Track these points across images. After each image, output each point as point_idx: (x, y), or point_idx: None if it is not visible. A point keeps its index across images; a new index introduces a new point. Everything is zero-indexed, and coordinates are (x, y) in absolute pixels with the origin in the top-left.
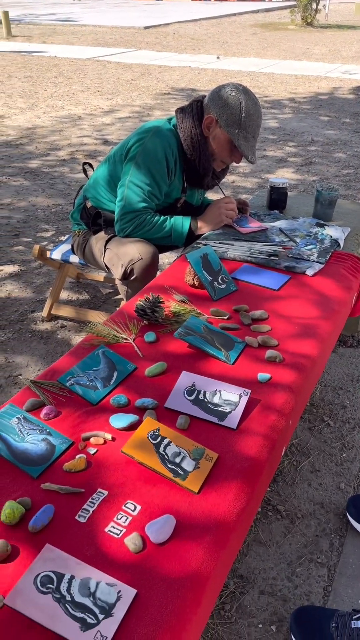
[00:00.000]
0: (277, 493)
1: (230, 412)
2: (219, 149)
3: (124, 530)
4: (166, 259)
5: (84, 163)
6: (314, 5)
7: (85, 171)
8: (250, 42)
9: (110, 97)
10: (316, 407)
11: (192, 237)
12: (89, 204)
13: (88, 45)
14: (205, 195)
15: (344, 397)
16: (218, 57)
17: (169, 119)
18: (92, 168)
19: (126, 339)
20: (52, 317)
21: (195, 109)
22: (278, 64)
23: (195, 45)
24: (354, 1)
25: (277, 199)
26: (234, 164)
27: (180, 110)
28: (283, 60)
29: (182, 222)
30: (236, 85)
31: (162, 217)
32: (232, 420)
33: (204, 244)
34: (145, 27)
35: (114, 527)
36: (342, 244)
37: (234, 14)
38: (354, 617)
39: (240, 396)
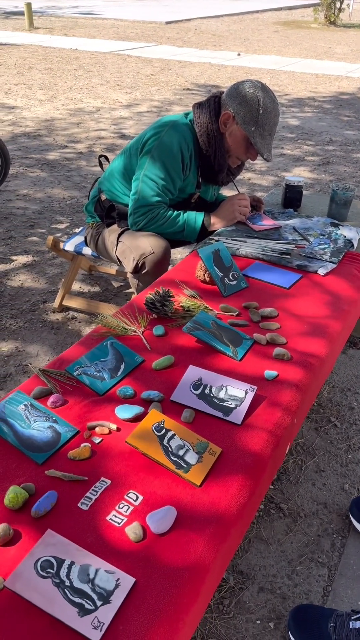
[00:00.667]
0: (280, 491)
1: (235, 407)
2: (235, 146)
3: (125, 519)
4: (179, 254)
5: (100, 156)
6: (338, 4)
7: (101, 164)
8: (271, 40)
9: (129, 91)
10: (323, 408)
11: (205, 233)
12: (103, 197)
13: (109, 39)
14: (220, 192)
15: (352, 399)
16: (239, 54)
17: (186, 114)
18: (108, 161)
19: (135, 331)
20: (63, 308)
21: (213, 104)
22: (299, 62)
23: (216, 41)
24: None
25: (292, 197)
26: (250, 161)
27: (198, 106)
28: (304, 59)
29: (195, 218)
30: (254, 82)
31: (176, 212)
32: (237, 416)
33: (216, 240)
34: (167, 22)
35: (115, 516)
36: (355, 245)
37: (257, 11)
38: (352, 618)
39: (247, 392)
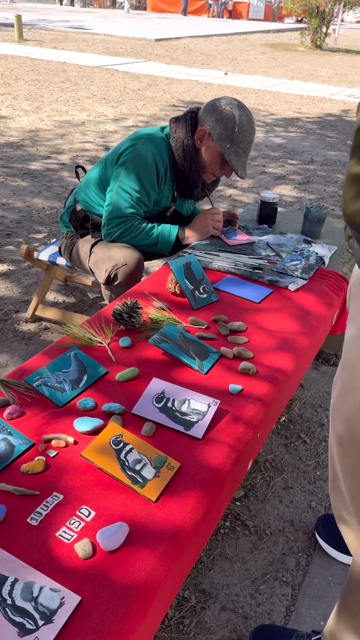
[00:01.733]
0: (247, 508)
1: (197, 421)
2: (210, 162)
3: (75, 535)
4: (156, 266)
5: (77, 166)
6: (324, 29)
7: (77, 174)
8: (258, 61)
9: (115, 105)
10: (294, 424)
11: (179, 246)
12: (78, 207)
13: (98, 54)
14: (197, 206)
15: (322, 415)
16: (226, 73)
17: (162, 128)
18: (85, 172)
19: (101, 342)
20: (36, 319)
21: (190, 119)
22: (284, 83)
23: (204, 60)
24: None
25: (267, 214)
26: (224, 177)
27: (175, 120)
28: (290, 80)
29: (169, 230)
30: (231, 99)
31: (150, 225)
32: (198, 430)
33: (189, 253)
34: (157, 40)
35: (65, 532)
36: (327, 262)
37: (245, 32)
38: (312, 638)
39: (209, 406)
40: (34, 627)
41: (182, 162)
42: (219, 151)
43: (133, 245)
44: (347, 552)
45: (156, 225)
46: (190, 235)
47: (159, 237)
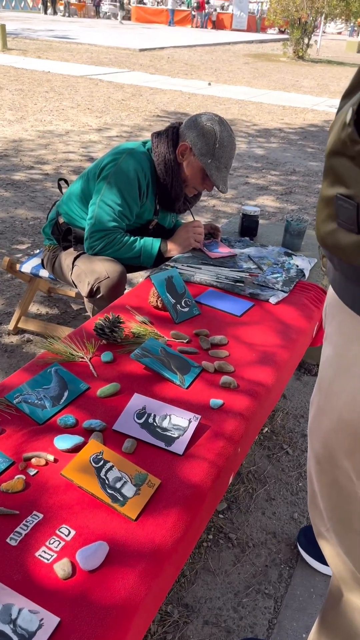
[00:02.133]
0: (230, 521)
1: (178, 437)
2: (192, 176)
3: (55, 555)
4: (140, 277)
5: (60, 179)
6: (306, 40)
7: (60, 187)
8: (242, 71)
9: (99, 115)
10: (276, 435)
11: (162, 259)
12: (61, 220)
13: (82, 63)
14: (179, 218)
15: (305, 426)
16: (209, 84)
17: (144, 142)
18: (68, 184)
19: (82, 357)
20: (18, 331)
21: (171, 134)
22: (267, 94)
23: (188, 70)
24: (345, 39)
25: (248, 226)
26: (206, 191)
27: (157, 135)
28: (272, 90)
29: (152, 244)
30: (212, 115)
31: (133, 238)
32: (179, 446)
33: (171, 266)
34: (141, 50)
35: (45, 552)
36: (307, 274)
37: (229, 43)
38: None
39: (190, 421)
40: None
41: (164, 177)
42: (200, 166)
43: (116, 258)
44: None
45: (139, 239)
46: (173, 248)
47: (141, 250)
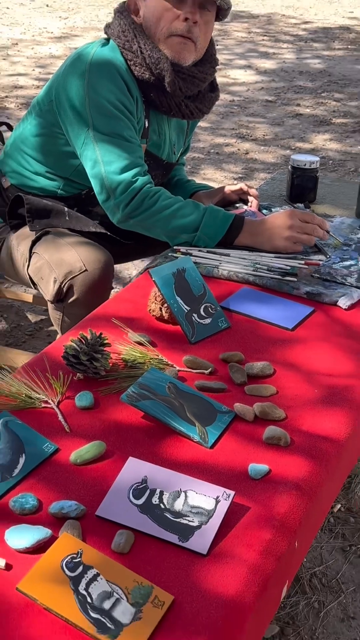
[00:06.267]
0: None
1: (199, 526)
2: (157, 16)
3: None
4: (135, 270)
5: None
6: None
7: (0, 135)
8: None
9: (64, 14)
10: (355, 515)
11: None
12: (5, 183)
13: None
14: (192, 178)
15: None
16: None
17: (103, 41)
18: (11, 129)
19: (46, 401)
20: None
21: (118, 9)
22: None
23: None
24: None
25: (303, 186)
26: (189, 22)
27: (108, 24)
28: None
29: (222, 214)
30: None
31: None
32: (202, 541)
33: (183, 253)
34: None
35: None
36: None
37: None
38: None
39: (218, 501)
40: None
41: (130, 45)
42: None
43: (151, 233)
44: None
45: (181, 199)
46: (247, 238)
47: (203, 216)
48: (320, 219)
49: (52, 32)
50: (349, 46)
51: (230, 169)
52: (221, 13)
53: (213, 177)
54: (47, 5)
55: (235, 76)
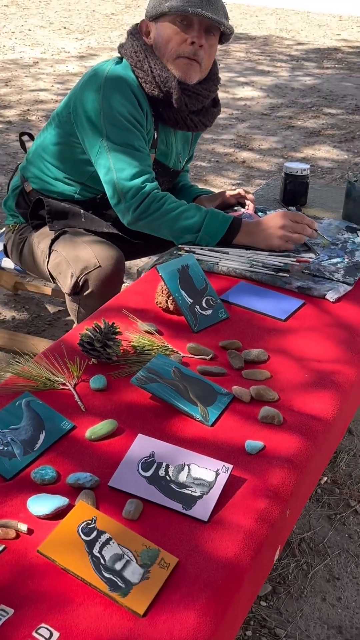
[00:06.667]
0: (277, 610)
1: (201, 496)
2: (166, 41)
3: None
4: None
5: (22, 134)
6: None
7: (22, 144)
8: None
9: (80, 36)
10: (340, 487)
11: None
12: (28, 187)
13: None
14: (196, 184)
15: None
16: None
17: (117, 60)
18: (33, 139)
19: (64, 383)
20: None
21: (130, 32)
22: None
23: None
24: None
25: (295, 191)
26: (195, 45)
27: (121, 45)
28: None
29: (221, 215)
30: None
31: (180, 201)
32: (204, 509)
33: (187, 251)
34: None
35: None
36: None
37: None
38: None
39: (218, 473)
40: None
41: (142, 65)
42: (167, 22)
43: (158, 233)
44: None
45: (185, 202)
46: (243, 238)
47: (205, 218)
48: (309, 219)
49: (69, 52)
50: (337, 65)
51: (230, 175)
52: (224, 37)
53: (214, 183)
54: (65, 28)
55: (235, 92)
